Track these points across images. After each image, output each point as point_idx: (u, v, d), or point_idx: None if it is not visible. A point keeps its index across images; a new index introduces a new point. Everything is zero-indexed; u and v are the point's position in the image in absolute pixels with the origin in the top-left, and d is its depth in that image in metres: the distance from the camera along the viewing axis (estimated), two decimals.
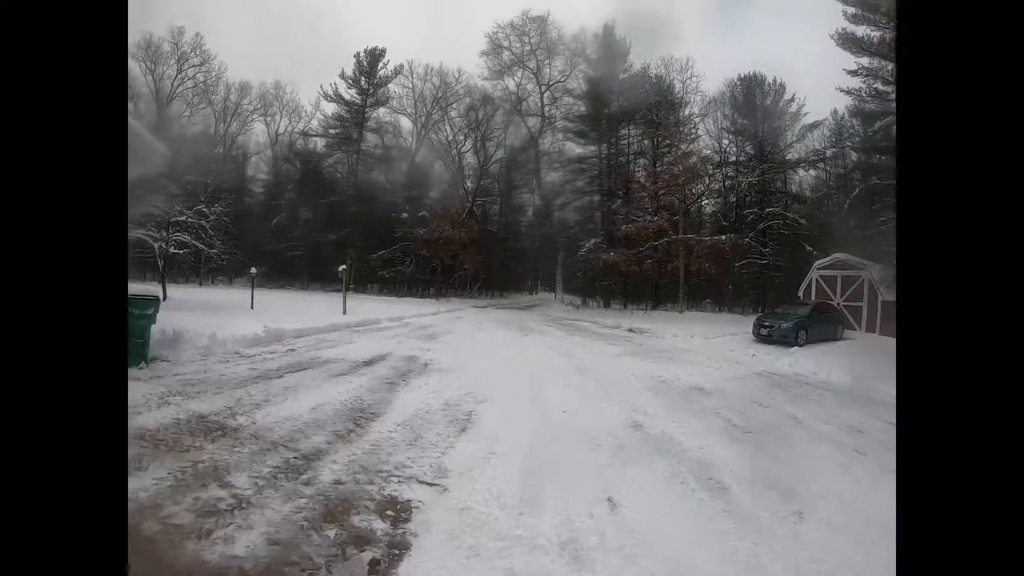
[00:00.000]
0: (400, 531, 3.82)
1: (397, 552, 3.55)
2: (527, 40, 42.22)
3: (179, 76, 41.24)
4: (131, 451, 4.94)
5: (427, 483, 4.65)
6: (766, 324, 17.57)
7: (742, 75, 34.62)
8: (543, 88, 42.39)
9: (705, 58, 54.13)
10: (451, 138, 43.17)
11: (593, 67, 39.99)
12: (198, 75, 41.55)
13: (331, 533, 3.72)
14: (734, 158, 34.64)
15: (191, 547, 3.45)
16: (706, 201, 35.40)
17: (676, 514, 4.23)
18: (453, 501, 4.33)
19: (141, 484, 4.26)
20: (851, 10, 24.21)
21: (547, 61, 42.28)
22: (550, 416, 7.00)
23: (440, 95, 42.86)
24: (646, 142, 36.63)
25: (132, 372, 8.09)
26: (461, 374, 9.68)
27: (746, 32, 52.20)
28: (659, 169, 34.27)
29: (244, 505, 4.06)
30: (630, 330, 21.06)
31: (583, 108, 39.77)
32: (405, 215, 38.61)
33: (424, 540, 3.71)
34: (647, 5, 57.24)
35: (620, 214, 34.72)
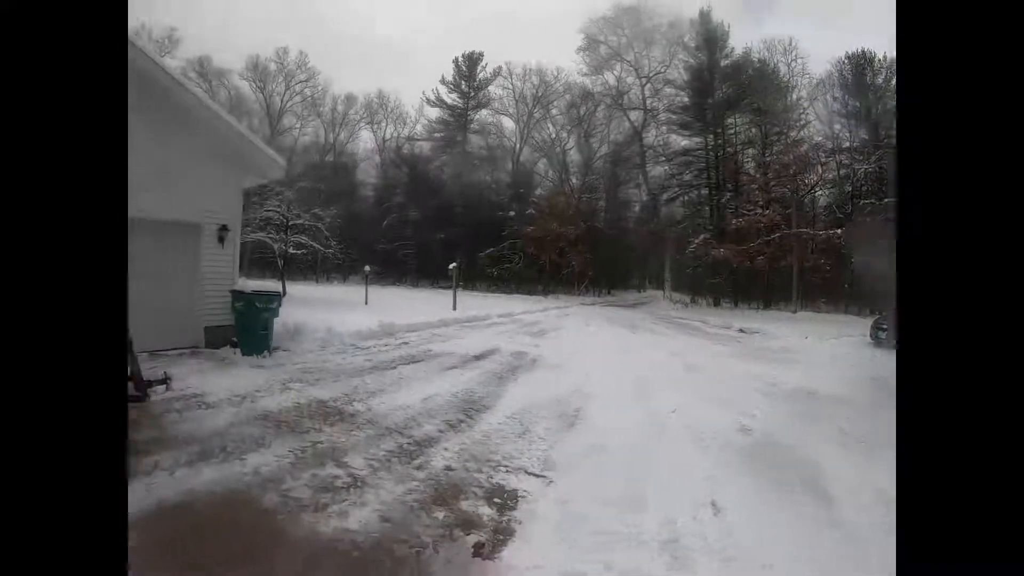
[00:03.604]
0: (506, 518, 3.88)
1: (502, 538, 3.60)
2: (622, 32, 41.66)
3: (287, 92, 44.26)
4: (255, 431, 5.36)
5: (534, 474, 4.69)
6: (884, 327, 16.02)
7: (850, 53, 32.48)
8: (643, 80, 41.62)
9: (809, 37, 50.89)
10: (554, 136, 43.42)
11: (692, 55, 38.87)
12: (305, 90, 44.44)
13: (440, 515, 3.84)
14: (848, 144, 32.42)
15: (307, 519, 3.69)
16: (820, 192, 33.28)
17: (779, 521, 4.03)
18: (558, 493, 4.34)
19: (263, 460, 4.63)
20: None
21: (645, 52, 41.49)
22: (657, 415, 6.87)
23: (540, 94, 43.24)
24: (753, 131, 35.15)
25: (256, 360, 8.81)
26: (569, 370, 9.69)
27: (851, 6, 48.70)
28: (768, 159, 32.68)
29: (359, 484, 4.28)
30: (740, 330, 20.26)
31: (685, 98, 38.74)
32: (512, 213, 39.18)
33: (528, 528, 3.74)
34: None
35: (729, 208, 33.50)
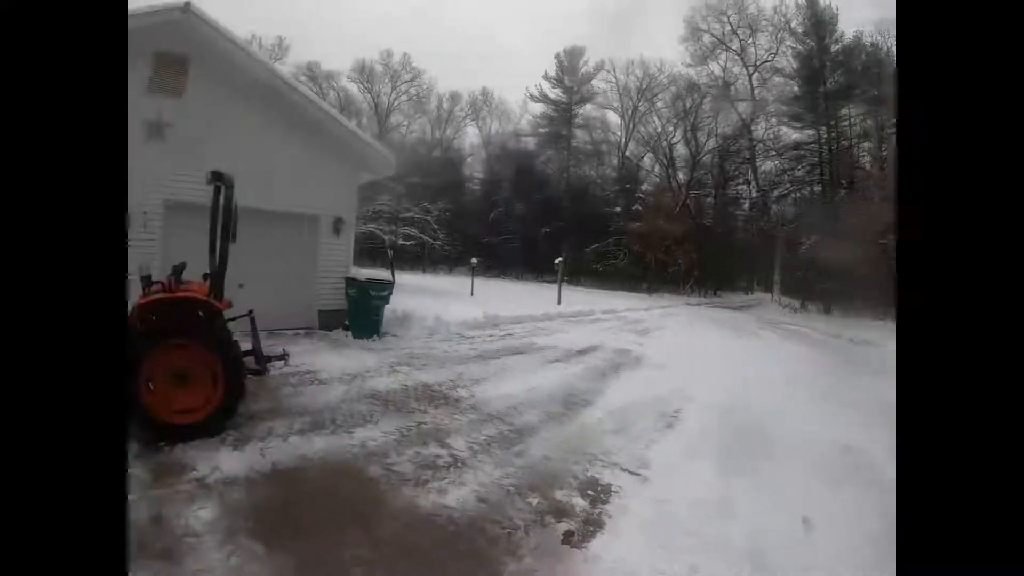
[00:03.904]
0: (597, 511, 3.93)
1: (592, 529, 3.67)
2: (726, 19, 39.71)
3: (394, 92, 45.81)
4: (363, 407, 5.69)
5: (629, 471, 4.70)
6: None
7: None
8: (750, 69, 39.52)
9: None
10: (660, 130, 42.20)
11: (800, 41, 36.45)
12: (411, 89, 45.83)
13: (534, 501, 3.96)
14: None
15: (408, 492, 3.90)
16: None
17: (871, 544, 3.82)
18: (651, 492, 4.34)
19: (370, 435, 4.95)
20: None
21: (750, 40, 39.32)
22: (757, 423, 6.64)
23: (644, 87, 42.14)
24: (869, 122, 32.62)
25: (366, 343, 9.31)
26: (671, 371, 9.53)
27: None
28: (886, 153, 30.27)
29: (459, 465, 4.48)
30: (851, 340, 18.88)
31: (795, 88, 36.45)
32: (618, 209, 38.72)
33: (618, 522, 3.78)
34: None
35: (844, 206, 31.39)
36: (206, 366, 4.75)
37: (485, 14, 65.23)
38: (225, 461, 4.27)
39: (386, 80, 45.70)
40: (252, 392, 5.38)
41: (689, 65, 40.93)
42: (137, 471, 4.08)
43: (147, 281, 5.28)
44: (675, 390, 7.87)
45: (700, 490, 4.44)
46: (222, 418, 4.78)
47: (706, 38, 40.45)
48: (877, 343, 17.66)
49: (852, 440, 6.22)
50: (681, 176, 41.99)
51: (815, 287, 32.00)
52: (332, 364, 7.41)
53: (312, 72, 41.65)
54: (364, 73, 45.02)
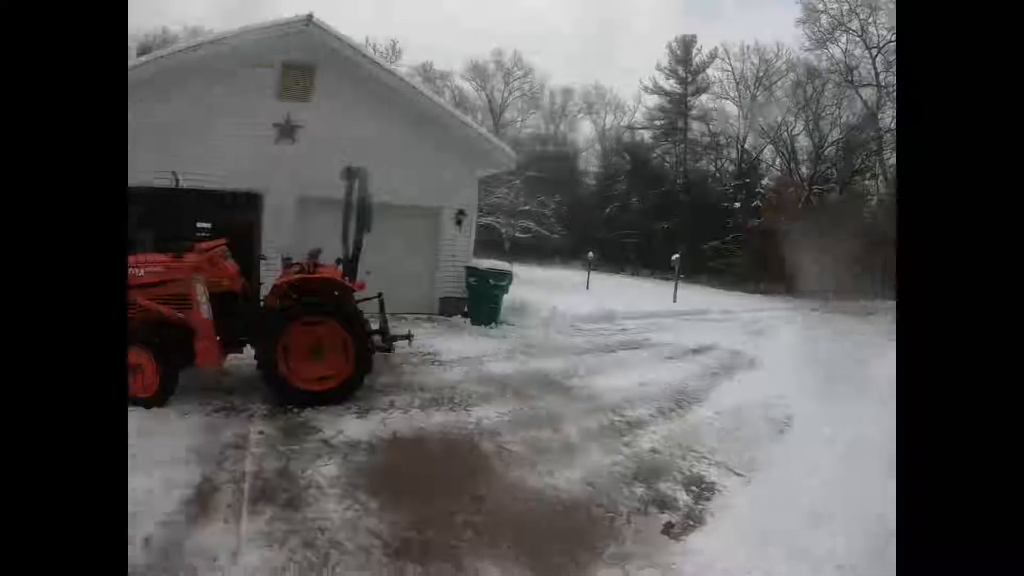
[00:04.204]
0: (700, 507, 3.93)
1: (692, 523, 3.68)
2: None
3: (507, 88, 46.13)
4: (480, 389, 5.98)
5: (734, 472, 4.63)
6: None
7: None
8: (872, 52, 35.54)
9: None
10: (780, 120, 39.30)
11: None
12: (524, 85, 45.99)
13: (638, 490, 4.03)
14: None
15: (518, 469, 4.09)
16: None
17: None
18: (755, 494, 4.27)
19: (486, 414, 5.25)
20: None
21: (871, 19, 35.15)
22: (874, 440, 6.29)
23: (761, 74, 39.55)
24: None
25: (483, 330, 9.70)
26: (787, 376, 9.12)
27: None
28: None
29: (569, 449, 4.65)
30: None
31: None
32: (737, 204, 37.08)
33: (719, 520, 3.77)
34: None
35: None
36: (338, 341, 5.24)
37: (594, 9, 64.32)
38: (349, 427, 4.71)
39: (499, 77, 46.34)
40: (377, 370, 5.81)
41: (808, 49, 37.50)
42: (268, 430, 4.59)
43: (287, 263, 5.84)
44: (788, 396, 7.57)
45: (805, 498, 4.31)
46: (349, 388, 5.28)
47: (824, 19, 37.02)
48: None
49: None
50: (804, 170, 39.16)
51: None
52: (451, 347, 7.81)
53: (426, 72, 42.85)
54: (477, 71, 45.90)
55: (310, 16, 9.26)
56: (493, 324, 10.13)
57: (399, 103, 10.42)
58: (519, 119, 47.29)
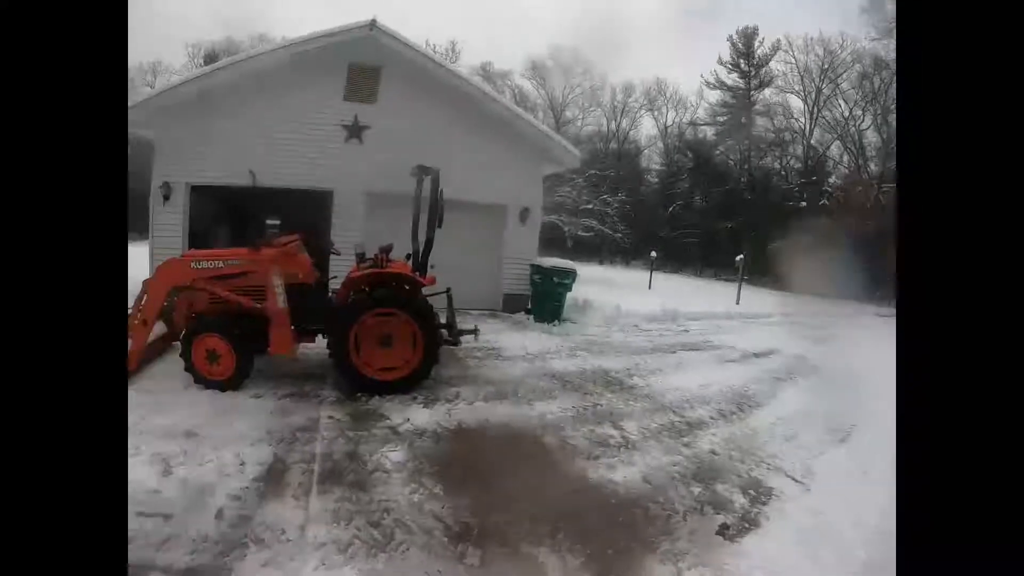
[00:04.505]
0: (756, 510, 3.98)
1: (747, 526, 3.74)
2: None
3: (567, 86, 45.61)
4: (543, 384, 6.16)
5: (793, 478, 4.63)
6: None
7: None
8: None
9: None
10: (847, 114, 37.49)
11: None
12: (584, 82, 45.37)
13: (696, 490, 4.11)
14: None
15: (579, 462, 4.25)
16: None
17: None
18: (812, 502, 4.25)
19: (549, 409, 5.41)
20: None
21: None
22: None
23: (826, 66, 37.66)
24: None
25: (547, 327, 9.87)
26: (851, 385, 8.95)
27: None
28: None
29: (629, 446, 4.76)
30: None
31: None
32: (803, 204, 35.82)
33: (774, 525, 3.80)
34: None
35: None
36: (408, 332, 5.49)
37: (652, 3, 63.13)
38: (416, 415, 4.95)
39: (558, 75, 45.97)
40: (444, 360, 6.03)
41: (874, 39, 35.36)
42: (338, 415, 4.87)
43: (361, 257, 6.13)
44: (853, 405, 7.42)
45: (862, 510, 4.27)
46: (417, 379, 5.54)
47: (890, 6, 35.07)
48: None
49: None
50: (873, 167, 37.38)
51: None
52: (515, 343, 8.01)
53: (486, 72, 42.87)
54: (536, 70, 45.66)
55: (373, 21, 9.67)
56: (556, 322, 10.29)
57: (462, 102, 10.70)
58: (580, 116, 46.81)
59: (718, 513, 3.84)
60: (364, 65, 10.10)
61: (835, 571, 3.37)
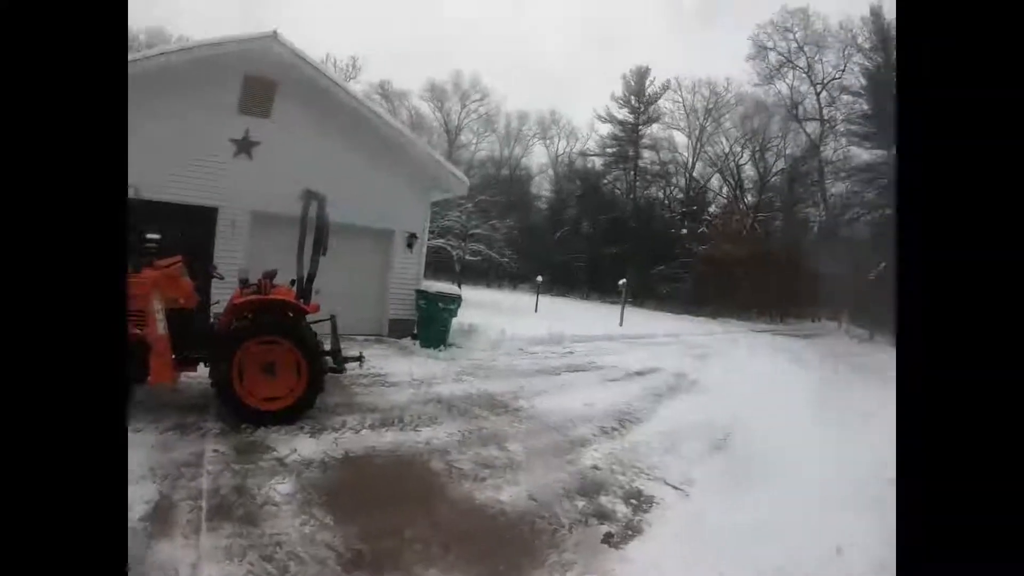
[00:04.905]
0: (638, 518, 4.20)
1: (631, 533, 3.95)
2: (791, 37, 38.52)
3: (463, 111, 46.70)
4: (429, 410, 6.17)
5: (672, 486, 4.93)
6: None
7: None
8: (818, 88, 38.11)
9: None
10: (727, 150, 41.31)
11: (867, 57, 34.78)
12: (480, 108, 46.67)
13: (580, 504, 4.28)
14: None
15: (466, 485, 4.30)
16: None
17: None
18: (691, 507, 4.56)
19: (435, 434, 5.42)
20: None
21: (817, 57, 37.81)
22: (806, 455, 6.71)
23: (711, 106, 41.43)
24: None
25: (432, 352, 9.83)
26: (726, 397, 9.57)
27: None
28: None
29: (515, 467, 4.86)
30: None
31: (865, 106, 34.90)
32: (684, 231, 38.26)
33: (657, 530, 4.04)
34: None
35: None
36: (292, 361, 5.36)
37: (553, 35, 66.13)
38: (302, 445, 4.83)
39: (456, 99, 46.77)
40: (329, 388, 5.92)
41: (756, 84, 39.88)
42: (223, 448, 4.67)
43: (244, 282, 5.94)
44: (728, 415, 7.96)
45: (739, 511, 4.60)
46: (302, 408, 5.40)
47: (772, 56, 39.26)
48: None
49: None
50: (749, 198, 41.01)
51: (886, 316, 30.69)
52: (401, 369, 7.97)
53: (384, 90, 43.06)
54: (435, 92, 46.24)
55: (275, 32, 9.39)
56: (442, 347, 10.30)
57: (357, 124, 10.64)
58: (474, 141, 47.77)
59: (602, 523, 4.01)
60: (261, 78, 9.72)
61: (713, 568, 3.61)
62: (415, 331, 10.75)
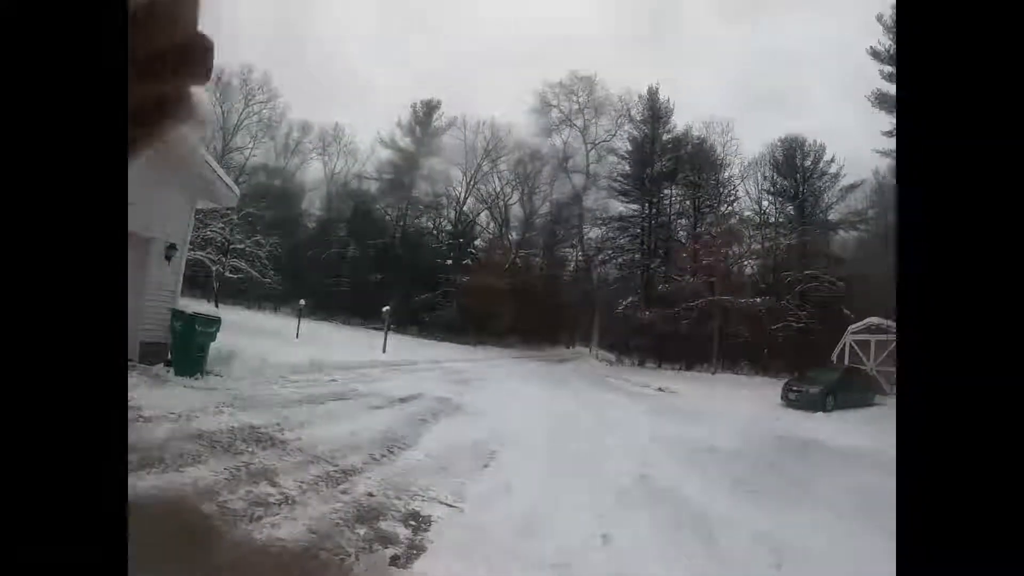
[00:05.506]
0: (419, 537, 4.42)
1: (415, 552, 4.16)
2: (575, 99, 43.57)
3: (246, 110, 43.21)
4: (192, 447, 5.74)
5: (446, 504, 5.24)
6: (794, 388, 17.89)
7: (782, 137, 35.40)
8: (589, 146, 43.45)
9: (745, 120, 55.47)
10: (499, 190, 44.30)
11: (637, 127, 40.95)
12: (263, 111, 43.67)
13: (361, 531, 4.36)
14: (773, 219, 35.29)
15: (243, 526, 4.15)
16: (746, 262, 35.49)
17: (665, 555, 4.72)
18: (467, 520, 4.94)
19: (201, 474, 5.05)
20: (887, 69, 24.70)
21: (594, 120, 43.31)
22: (565, 461, 7.59)
23: (490, 148, 44.06)
24: (687, 203, 37.65)
25: (188, 381, 9.07)
26: (490, 418, 10.27)
27: (786, 95, 55.22)
28: (699, 230, 35.00)
29: (289, 501, 4.75)
30: (659, 389, 21.68)
31: (627, 167, 40.77)
32: (450, 261, 39.71)
33: (438, 546, 4.31)
34: (690, 71, 59.44)
35: (659, 273, 35.38)
36: None
37: (348, 48, 64.72)
38: None
39: (240, 96, 42.96)
40: None
41: (535, 135, 43.79)
42: None
43: None
44: (492, 435, 8.58)
45: (512, 517, 5.11)
46: None
47: (554, 113, 43.75)
48: (680, 392, 20.25)
49: (649, 472, 7.50)
50: (514, 235, 44.26)
51: (629, 343, 35.43)
52: (156, 402, 7.21)
53: None
54: (219, 84, 42.01)
55: None
56: (199, 375, 9.50)
57: None
58: (250, 145, 43.86)
59: (387, 547, 4.15)
60: None
61: (498, 570, 4.02)
62: (169, 357, 9.76)
